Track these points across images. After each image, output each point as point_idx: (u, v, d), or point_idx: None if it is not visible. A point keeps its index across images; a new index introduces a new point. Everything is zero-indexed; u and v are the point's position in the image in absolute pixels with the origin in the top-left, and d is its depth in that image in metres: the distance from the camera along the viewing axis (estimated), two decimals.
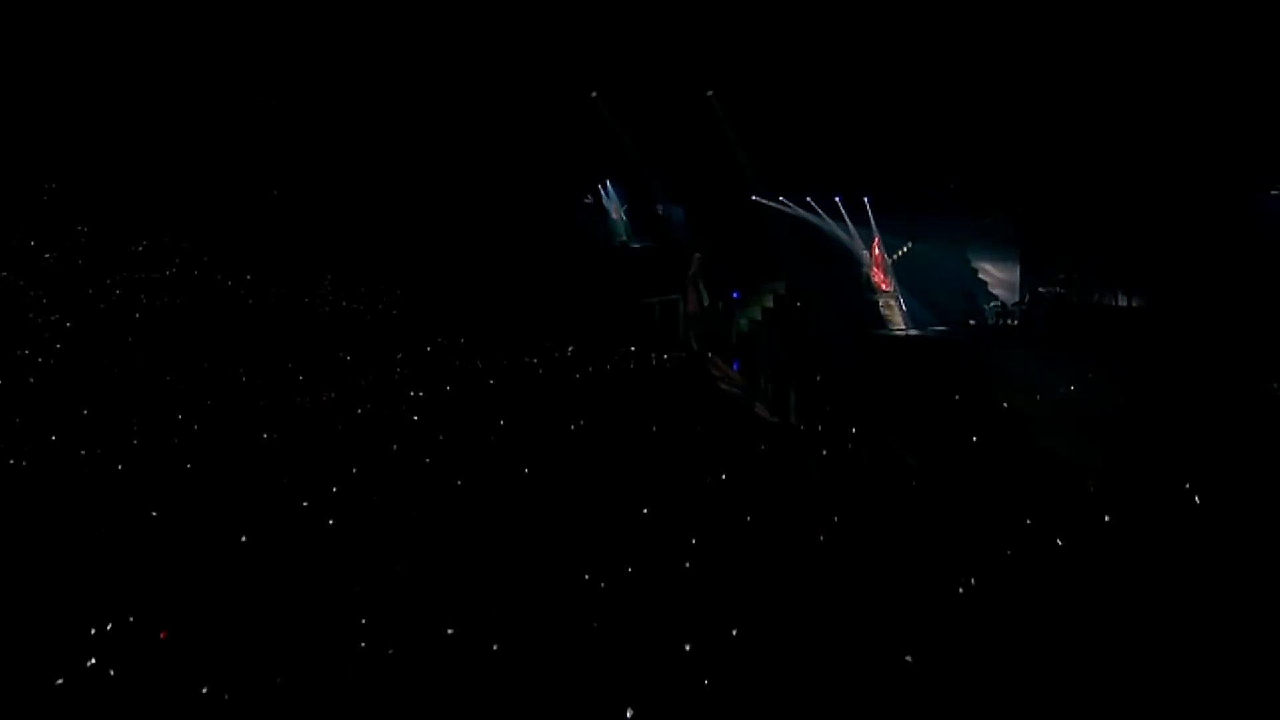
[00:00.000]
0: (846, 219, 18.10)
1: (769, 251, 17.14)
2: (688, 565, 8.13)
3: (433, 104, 15.02)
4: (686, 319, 12.99)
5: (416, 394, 10.63)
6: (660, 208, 18.25)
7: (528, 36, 13.82)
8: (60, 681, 6.20)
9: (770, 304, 16.15)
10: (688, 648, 6.90)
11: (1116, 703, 6.74)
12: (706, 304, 12.20)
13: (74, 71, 12.26)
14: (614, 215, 18.01)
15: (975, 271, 18.40)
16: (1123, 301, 16.03)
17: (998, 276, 18.14)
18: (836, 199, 17.83)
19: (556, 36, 13.80)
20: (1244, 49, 12.42)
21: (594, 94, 15.58)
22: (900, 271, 18.04)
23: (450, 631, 6.99)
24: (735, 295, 13.66)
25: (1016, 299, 17.57)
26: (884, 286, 17.84)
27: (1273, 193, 13.59)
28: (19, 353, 9.39)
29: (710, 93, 15.56)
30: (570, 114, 15.62)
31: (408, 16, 13.32)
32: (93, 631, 6.59)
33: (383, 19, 13.24)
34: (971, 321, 17.14)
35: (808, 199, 17.88)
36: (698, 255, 12.51)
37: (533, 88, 15.09)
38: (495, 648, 6.89)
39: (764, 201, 17.49)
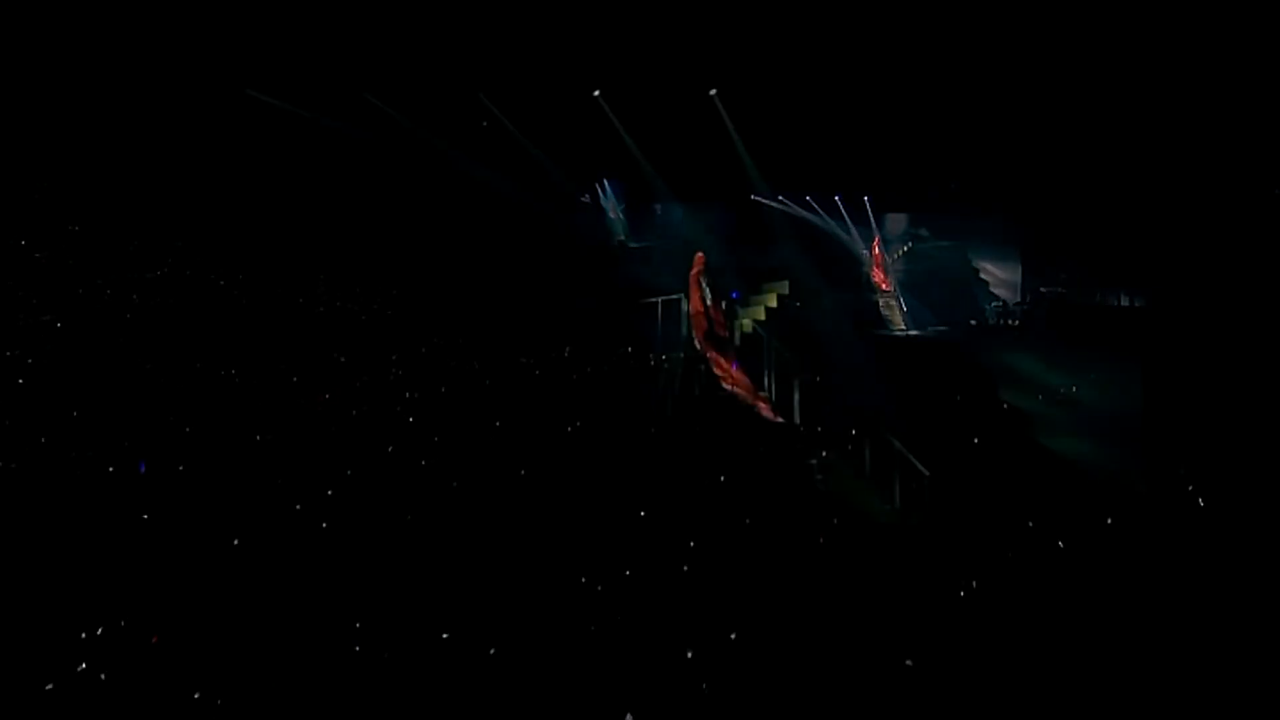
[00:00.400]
0: (847, 219, 18.09)
1: (770, 251, 17.11)
2: (685, 568, 8.07)
3: (430, 102, 14.97)
4: (688, 319, 12.91)
5: (411, 395, 10.58)
6: (659, 207, 18.21)
7: (527, 34, 13.76)
8: (50, 686, 6.13)
9: (773, 304, 16.11)
10: (687, 649, 6.85)
11: (1118, 706, 6.69)
12: (709, 303, 12.11)
13: (64, 70, 12.19)
14: (611, 214, 17.96)
15: (976, 271, 18.42)
16: (1124, 301, 16.01)
17: (999, 276, 18.19)
18: (836, 198, 17.83)
19: (557, 35, 13.75)
20: (1245, 48, 12.37)
21: (596, 93, 15.52)
22: (900, 271, 18.05)
23: (445, 636, 6.92)
24: (735, 295, 13.60)
25: (1018, 299, 17.57)
26: (884, 286, 17.85)
27: (1276, 192, 13.54)
28: (7, 354, 9.31)
29: (713, 91, 15.51)
30: (570, 112, 15.57)
31: (405, 13, 13.26)
32: (83, 636, 6.51)
33: (379, 16, 13.18)
34: (972, 321, 17.13)
35: (807, 198, 17.86)
36: (700, 254, 12.44)
37: (532, 85, 15.05)
38: (492, 652, 6.84)
39: (764, 201, 17.46)
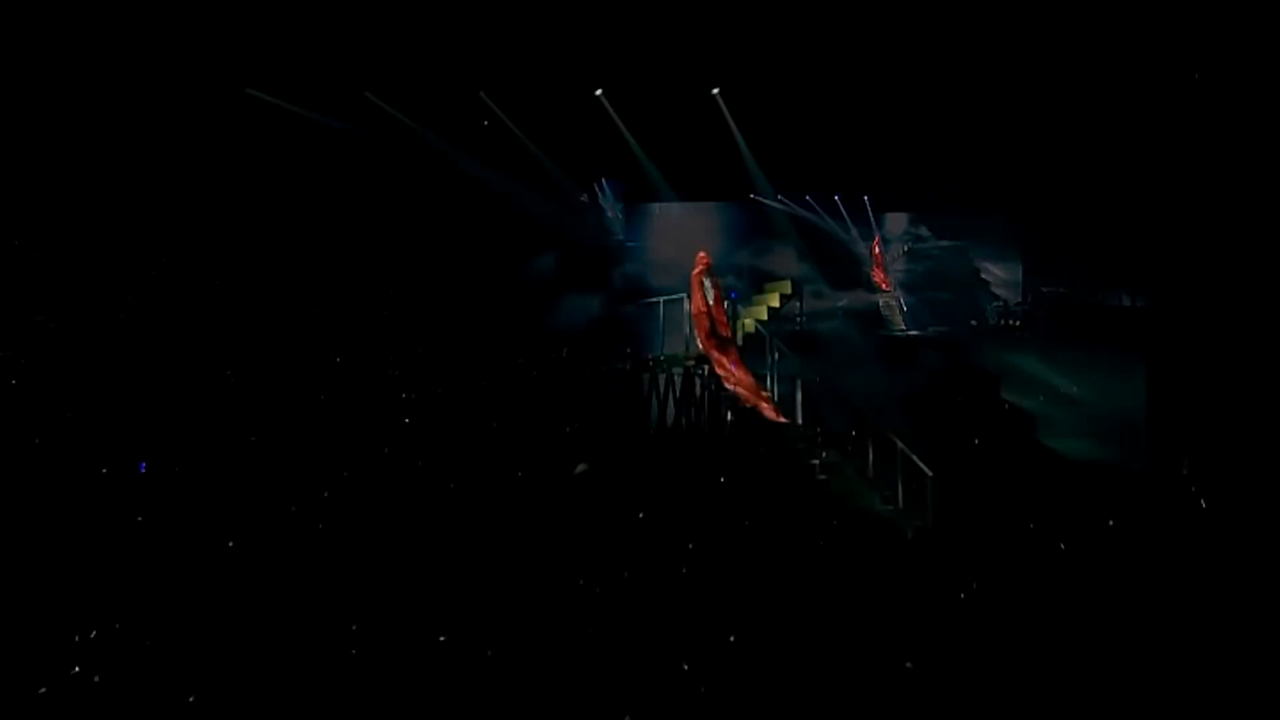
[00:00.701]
0: (847, 218, 18.08)
1: (771, 250, 17.10)
2: (684, 570, 8.03)
3: (430, 100, 14.93)
4: (690, 318, 12.91)
5: (408, 396, 10.54)
6: (659, 206, 18.17)
7: (528, 33, 13.72)
8: (43, 690, 6.09)
9: (775, 303, 16.08)
10: (686, 651, 6.81)
11: (1119, 707, 6.65)
12: (711, 303, 12.08)
13: (62, 68, 12.13)
14: (610, 214, 17.94)
15: (977, 271, 18.39)
16: (1126, 301, 15.95)
17: (1000, 276, 18.16)
18: (836, 198, 17.82)
19: (557, 33, 13.71)
20: (1245, 47, 12.33)
21: (598, 91, 15.49)
22: (901, 271, 18.05)
23: (442, 638, 6.88)
24: (733, 295, 13.56)
25: (1019, 299, 17.53)
26: (884, 286, 17.85)
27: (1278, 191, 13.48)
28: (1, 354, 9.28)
29: (716, 90, 15.49)
30: (569, 111, 15.54)
31: (406, 12, 13.21)
32: (77, 639, 6.48)
33: (379, 14, 13.13)
34: (973, 321, 17.11)
35: (807, 198, 17.85)
36: (701, 254, 12.41)
37: (532, 84, 15.01)
38: (489, 654, 6.80)
39: (764, 200, 17.44)
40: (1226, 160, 13.24)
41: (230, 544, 7.55)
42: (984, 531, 9.31)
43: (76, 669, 6.27)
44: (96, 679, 6.25)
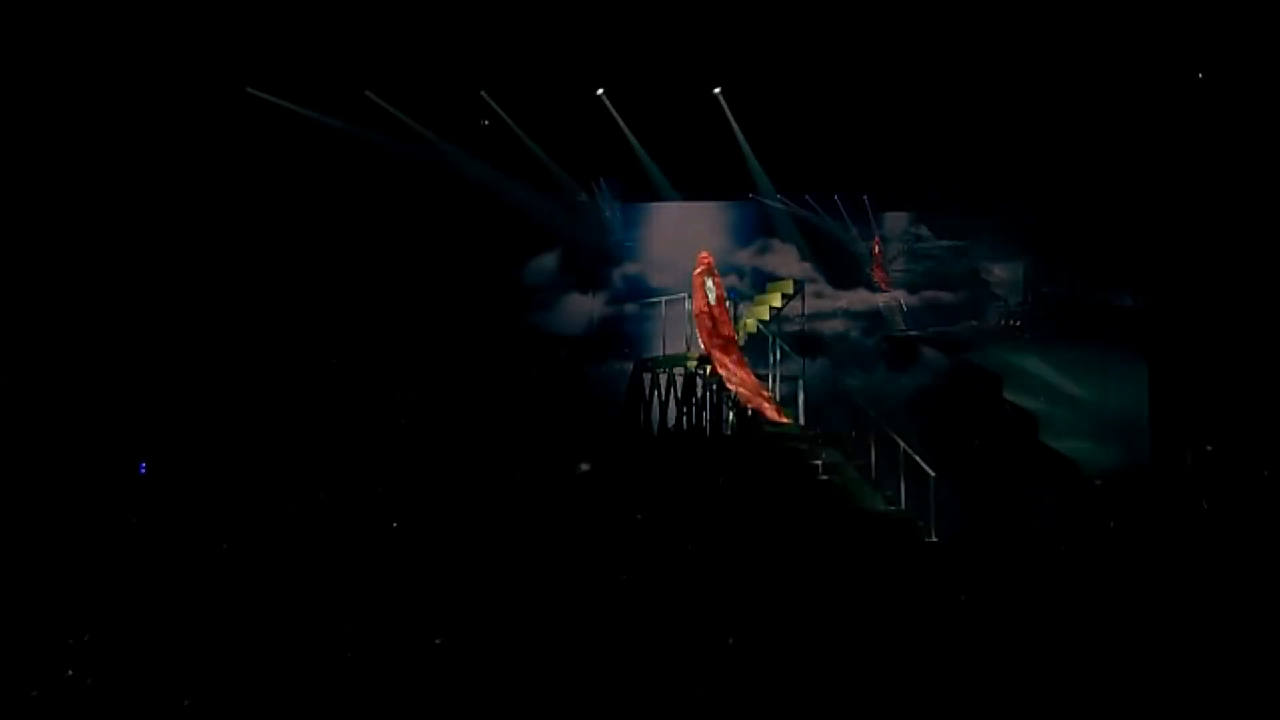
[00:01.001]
0: (846, 218, 18.04)
1: (771, 250, 17.08)
2: (682, 572, 8.01)
3: (430, 99, 14.92)
4: (691, 318, 12.89)
5: (406, 397, 10.53)
6: (659, 205, 18.14)
7: (529, 32, 13.69)
8: (35, 693, 6.06)
9: (776, 303, 16.04)
10: (684, 655, 6.79)
11: (1119, 709, 6.62)
12: (712, 303, 12.05)
13: (60, 70, 12.12)
14: (609, 213, 17.90)
15: (977, 271, 18.35)
16: (1127, 301, 15.92)
17: (1000, 276, 18.09)
18: (835, 198, 17.78)
19: (559, 32, 13.68)
20: (1249, 45, 12.30)
21: (599, 91, 15.48)
22: (901, 271, 18.01)
23: (438, 640, 6.85)
24: (732, 295, 13.54)
25: (1020, 299, 17.49)
26: (884, 286, 17.81)
27: None
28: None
29: (717, 90, 15.47)
30: (569, 110, 15.52)
31: (408, 11, 13.19)
32: (70, 641, 6.44)
33: (380, 13, 13.11)
34: (974, 321, 17.07)
35: (806, 197, 17.81)
36: (703, 253, 12.39)
37: (533, 83, 15.00)
38: (486, 656, 6.78)
39: (763, 201, 17.41)
40: (1227, 160, 13.21)
41: (225, 545, 7.52)
42: (985, 533, 9.29)
43: (70, 672, 6.23)
44: (89, 681, 6.22)
